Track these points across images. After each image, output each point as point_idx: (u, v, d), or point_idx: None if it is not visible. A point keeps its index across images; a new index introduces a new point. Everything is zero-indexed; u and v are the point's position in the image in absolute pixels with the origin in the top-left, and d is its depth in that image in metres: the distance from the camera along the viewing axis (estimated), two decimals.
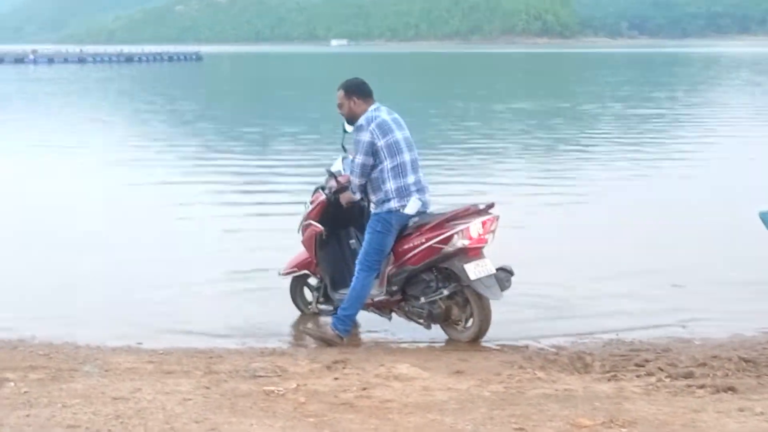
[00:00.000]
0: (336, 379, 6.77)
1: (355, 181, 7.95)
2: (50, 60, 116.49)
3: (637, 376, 6.84)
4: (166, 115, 38.11)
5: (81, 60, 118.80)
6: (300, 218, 8.72)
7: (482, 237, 7.86)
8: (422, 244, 7.84)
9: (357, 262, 8.01)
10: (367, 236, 7.96)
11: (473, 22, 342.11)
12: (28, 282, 10.51)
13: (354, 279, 7.96)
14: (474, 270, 7.76)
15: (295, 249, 9.01)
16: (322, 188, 8.56)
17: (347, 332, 8.03)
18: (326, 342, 8.00)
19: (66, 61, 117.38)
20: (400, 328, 8.54)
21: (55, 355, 7.60)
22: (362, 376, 6.83)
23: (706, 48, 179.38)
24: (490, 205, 8.06)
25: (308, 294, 9.07)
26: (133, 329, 8.67)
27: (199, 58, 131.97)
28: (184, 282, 10.49)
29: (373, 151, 7.80)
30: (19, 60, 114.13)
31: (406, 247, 7.95)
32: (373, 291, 8.12)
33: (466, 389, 6.49)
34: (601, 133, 28.71)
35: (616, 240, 12.69)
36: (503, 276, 7.98)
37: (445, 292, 7.92)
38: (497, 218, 7.99)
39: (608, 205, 15.51)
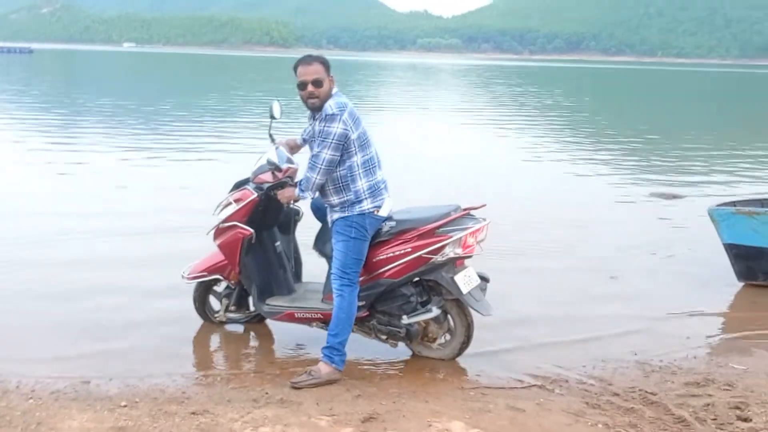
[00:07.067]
0: None
1: (317, 179, 4.59)
2: None
3: None
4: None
5: None
6: (217, 218, 5.16)
7: (474, 245, 4.86)
8: (408, 254, 4.75)
9: (335, 278, 4.71)
10: (340, 246, 4.68)
11: (223, 34, 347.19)
12: None
13: (337, 298, 4.68)
14: (464, 282, 4.84)
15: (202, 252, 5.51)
16: (244, 183, 5.21)
17: (343, 362, 4.74)
18: (325, 383, 4.63)
19: None
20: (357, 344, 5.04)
21: None
22: None
23: (376, 58, 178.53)
24: (480, 207, 4.96)
25: (215, 302, 5.62)
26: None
27: (30, 51, 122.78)
28: (136, 320, 5.76)
29: (344, 145, 4.54)
30: None
31: (383, 257, 4.80)
32: (323, 305, 5.02)
33: None
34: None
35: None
36: (483, 286, 5.01)
37: (435, 310, 4.89)
38: (488, 224, 4.90)
39: None
